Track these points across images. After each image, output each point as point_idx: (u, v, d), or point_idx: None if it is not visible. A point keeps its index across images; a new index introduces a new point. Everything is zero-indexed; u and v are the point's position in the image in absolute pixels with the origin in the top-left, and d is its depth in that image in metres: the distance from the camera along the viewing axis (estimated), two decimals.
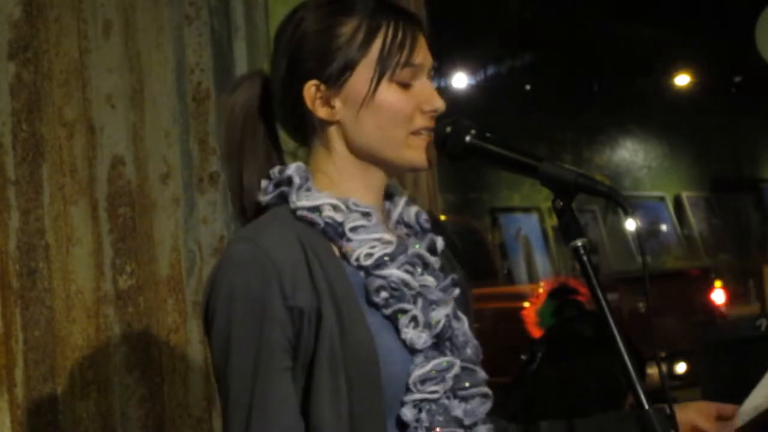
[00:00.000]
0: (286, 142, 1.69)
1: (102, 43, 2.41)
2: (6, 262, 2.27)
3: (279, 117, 1.65)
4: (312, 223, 1.56)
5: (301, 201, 1.56)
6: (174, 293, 2.44)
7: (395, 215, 1.64)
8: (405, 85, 1.58)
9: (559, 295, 2.88)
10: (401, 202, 1.65)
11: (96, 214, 2.37)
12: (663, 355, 7.73)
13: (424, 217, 1.65)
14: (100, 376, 2.34)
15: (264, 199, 1.60)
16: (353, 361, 1.50)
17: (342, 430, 1.50)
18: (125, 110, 2.43)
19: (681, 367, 7.91)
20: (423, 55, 1.60)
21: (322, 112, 1.58)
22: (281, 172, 1.59)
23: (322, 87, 1.57)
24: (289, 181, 1.58)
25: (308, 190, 1.58)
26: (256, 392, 1.50)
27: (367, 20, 1.57)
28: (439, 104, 1.60)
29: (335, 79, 1.57)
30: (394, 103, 1.57)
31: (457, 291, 1.62)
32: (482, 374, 1.60)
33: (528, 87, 9.25)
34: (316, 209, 1.56)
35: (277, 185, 1.59)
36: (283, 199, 1.58)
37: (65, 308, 2.31)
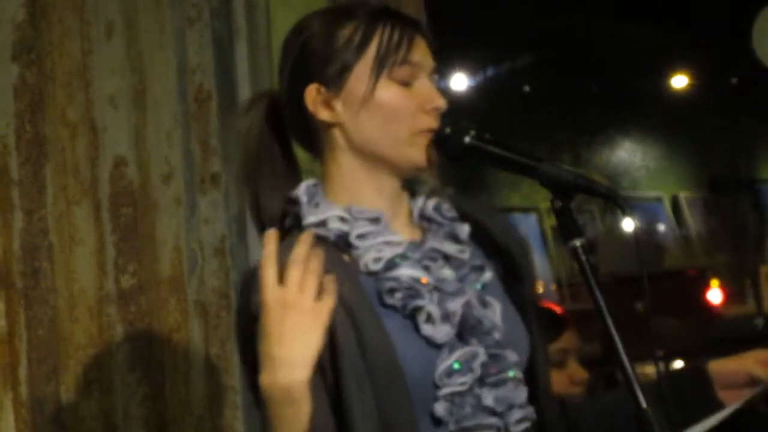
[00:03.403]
0: (302, 157, 1.71)
1: (104, 45, 2.42)
2: (10, 261, 2.28)
3: (289, 128, 1.67)
4: (323, 238, 1.57)
5: (308, 218, 1.58)
6: (176, 293, 2.46)
7: (416, 212, 1.65)
8: (404, 84, 1.59)
9: None
10: (422, 196, 1.65)
11: (98, 214, 2.39)
12: (661, 354, 7.74)
13: (445, 206, 1.66)
14: (102, 375, 2.35)
15: (287, 223, 1.62)
16: (376, 369, 1.50)
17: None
18: (127, 111, 2.44)
19: (679, 366, 7.91)
20: (422, 55, 1.62)
21: (323, 114, 1.60)
22: (292, 195, 1.62)
23: (323, 89, 1.59)
24: (297, 201, 1.61)
25: (316, 205, 1.59)
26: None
27: (364, 23, 1.60)
28: (440, 102, 1.61)
29: (334, 81, 1.59)
30: (394, 100, 1.58)
31: (486, 276, 1.62)
32: (513, 358, 1.58)
33: (527, 88, 9.26)
34: (323, 223, 1.58)
35: (291, 208, 1.62)
36: (298, 219, 1.61)
37: (68, 307, 2.33)
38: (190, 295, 2.47)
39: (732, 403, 1.65)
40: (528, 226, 9.51)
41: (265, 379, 1.44)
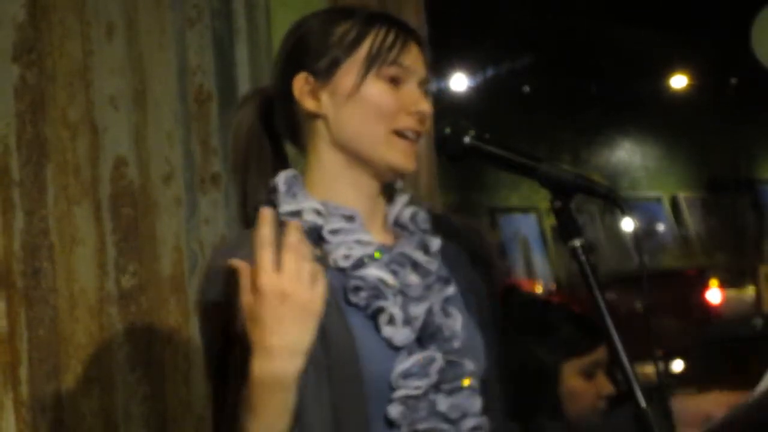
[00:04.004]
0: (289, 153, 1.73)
1: (105, 45, 2.43)
2: (10, 261, 2.28)
3: (278, 121, 1.69)
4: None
5: (283, 207, 1.60)
6: (176, 292, 2.46)
7: (392, 217, 1.66)
8: (393, 84, 1.61)
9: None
10: (399, 203, 1.67)
11: (99, 214, 2.39)
12: (660, 353, 7.75)
13: (422, 217, 1.67)
14: (103, 374, 2.36)
15: None
16: (334, 361, 1.51)
17: (326, 424, 1.51)
18: (128, 111, 2.44)
19: (678, 366, 7.93)
20: (413, 60, 1.63)
21: (308, 103, 1.62)
22: (273, 182, 1.64)
23: (311, 79, 1.62)
24: (275, 190, 1.62)
25: (294, 195, 1.61)
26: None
27: (361, 22, 1.63)
28: (425, 107, 1.62)
29: (324, 72, 1.61)
30: (378, 97, 1.60)
31: (450, 289, 1.64)
32: (470, 367, 1.61)
33: (527, 88, 9.27)
34: (298, 213, 1.59)
35: (268, 197, 1.64)
36: (275, 208, 1.61)
37: (69, 307, 2.33)
38: (191, 294, 2.47)
39: None
40: (528, 226, 9.52)
41: (259, 367, 1.44)
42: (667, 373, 7.69)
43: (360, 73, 1.60)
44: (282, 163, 1.71)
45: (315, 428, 1.50)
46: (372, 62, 1.60)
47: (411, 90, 1.62)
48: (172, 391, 2.43)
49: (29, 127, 2.33)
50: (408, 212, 1.67)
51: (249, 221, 1.65)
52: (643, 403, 1.48)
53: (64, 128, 2.36)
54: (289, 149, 1.73)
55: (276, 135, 1.70)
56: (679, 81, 10.28)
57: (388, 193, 1.68)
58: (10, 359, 2.26)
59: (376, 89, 1.60)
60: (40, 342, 2.30)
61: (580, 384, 2.36)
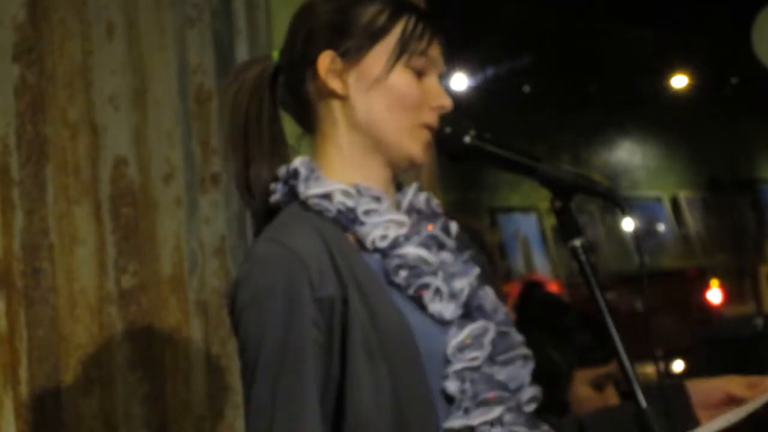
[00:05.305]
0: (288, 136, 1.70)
1: (105, 45, 2.43)
2: (10, 261, 2.29)
3: (285, 96, 1.65)
4: (322, 213, 1.56)
5: (311, 189, 1.57)
6: (176, 292, 2.46)
7: (405, 203, 1.64)
8: (418, 75, 1.60)
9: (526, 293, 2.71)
10: (411, 190, 1.66)
11: (99, 214, 2.39)
12: (660, 353, 7.75)
13: (435, 202, 1.67)
14: (103, 374, 2.36)
15: (274, 198, 1.61)
16: (389, 344, 1.49)
17: (384, 418, 1.48)
18: (128, 111, 2.44)
19: (678, 365, 7.93)
20: (437, 54, 1.63)
21: (333, 83, 1.59)
22: (288, 168, 1.60)
23: (338, 59, 1.59)
24: (295, 174, 1.59)
25: (317, 179, 1.58)
26: (280, 395, 1.48)
27: (390, 7, 1.61)
28: (447, 102, 1.62)
29: (352, 54, 1.59)
30: (406, 87, 1.59)
31: (476, 268, 1.62)
32: (518, 336, 1.60)
33: (527, 88, 9.26)
34: (327, 196, 1.56)
35: (285, 182, 1.60)
36: (293, 194, 1.59)
37: (69, 307, 2.33)
38: (191, 294, 2.47)
39: (705, 421, 1.67)
40: (528, 226, 9.51)
41: None
42: (667, 373, 7.68)
43: (389, 61, 1.58)
44: (280, 139, 1.66)
45: (374, 417, 1.48)
46: (402, 50, 1.59)
47: (433, 83, 1.62)
48: (172, 391, 2.43)
49: (29, 126, 2.33)
50: (422, 197, 1.66)
51: (253, 200, 1.63)
52: (643, 404, 1.48)
53: (64, 128, 2.37)
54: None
55: (274, 109, 1.66)
56: (679, 81, 10.27)
57: (395, 182, 1.67)
58: (10, 359, 2.26)
59: (403, 79, 1.59)
60: (40, 342, 2.30)
61: (589, 393, 2.35)
